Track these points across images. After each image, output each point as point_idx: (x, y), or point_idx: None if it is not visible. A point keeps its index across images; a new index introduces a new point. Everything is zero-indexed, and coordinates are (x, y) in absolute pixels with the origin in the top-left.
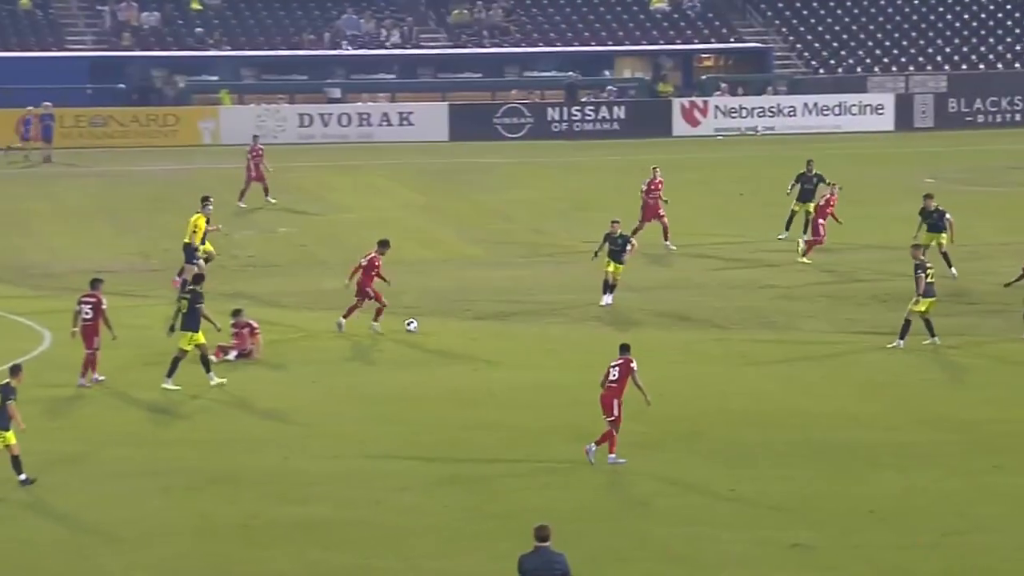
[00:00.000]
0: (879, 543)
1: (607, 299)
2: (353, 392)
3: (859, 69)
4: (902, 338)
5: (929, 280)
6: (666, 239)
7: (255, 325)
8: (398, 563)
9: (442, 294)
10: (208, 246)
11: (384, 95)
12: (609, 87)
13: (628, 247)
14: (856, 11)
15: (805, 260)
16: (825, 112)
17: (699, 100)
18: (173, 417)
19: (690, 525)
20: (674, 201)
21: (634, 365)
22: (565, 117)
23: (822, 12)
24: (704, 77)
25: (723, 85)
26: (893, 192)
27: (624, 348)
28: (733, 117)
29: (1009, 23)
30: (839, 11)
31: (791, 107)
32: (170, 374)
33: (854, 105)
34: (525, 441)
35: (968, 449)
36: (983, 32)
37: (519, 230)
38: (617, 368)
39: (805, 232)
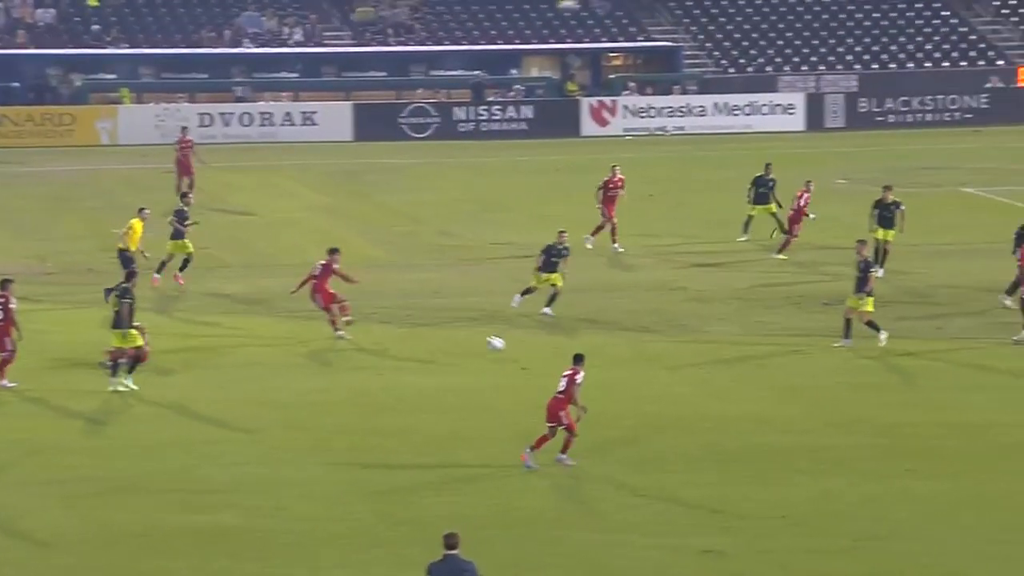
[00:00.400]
0: (791, 548)
1: (515, 300)
2: (258, 398)
3: (770, 69)
4: (847, 338)
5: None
6: (614, 241)
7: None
8: (304, 572)
9: (346, 297)
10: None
11: (287, 94)
12: (516, 86)
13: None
14: (766, 10)
15: (781, 256)
16: (735, 112)
17: (608, 100)
18: (77, 424)
19: (603, 532)
20: (581, 203)
21: (578, 378)
22: (472, 117)
23: (732, 11)
24: (613, 76)
25: (631, 84)
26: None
27: (576, 358)
28: (642, 117)
29: (919, 22)
30: (749, 10)
31: (701, 107)
32: (113, 373)
33: (765, 105)
34: (433, 447)
35: (884, 453)
36: (893, 32)
37: (425, 232)
38: (565, 379)
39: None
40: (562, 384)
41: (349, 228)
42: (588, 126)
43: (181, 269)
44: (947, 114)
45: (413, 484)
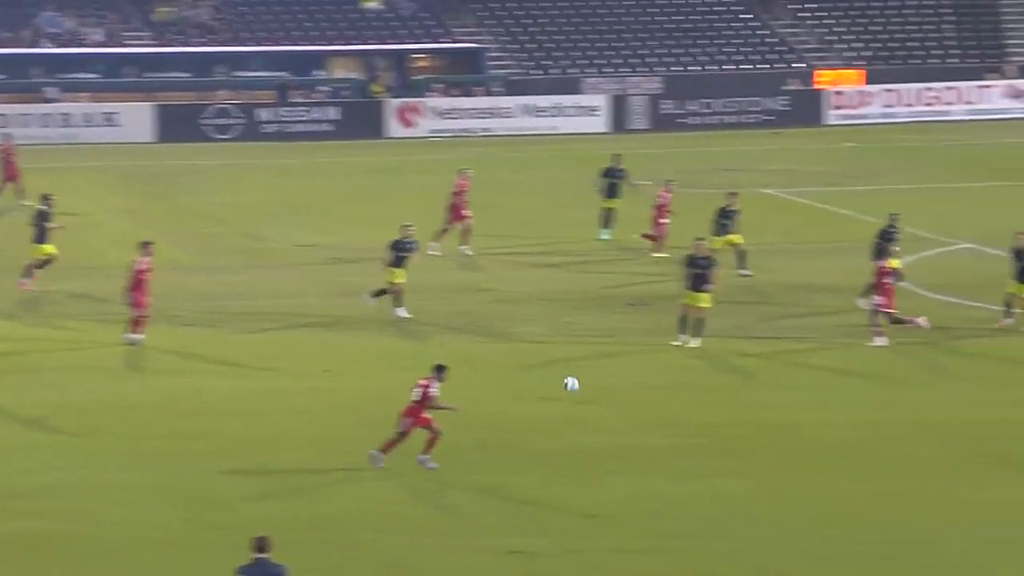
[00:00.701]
0: (602, 548)
1: (370, 300)
2: (63, 402)
3: (574, 71)
4: (686, 334)
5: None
6: (465, 243)
7: None
8: None
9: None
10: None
11: (87, 95)
12: (321, 87)
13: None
14: (570, 12)
15: (663, 255)
16: (541, 113)
17: (414, 101)
18: None
19: (413, 534)
20: (388, 205)
21: (432, 390)
22: (276, 118)
23: (536, 13)
24: (418, 78)
25: (437, 86)
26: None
27: (437, 369)
28: (448, 118)
29: (720, 25)
30: (553, 12)
31: (507, 108)
32: None
33: (569, 106)
34: (242, 450)
35: (696, 453)
36: (695, 34)
37: (229, 234)
38: (420, 389)
39: (607, 227)
40: (416, 393)
41: (151, 230)
42: (394, 128)
43: (38, 268)
44: (747, 116)
45: (223, 488)
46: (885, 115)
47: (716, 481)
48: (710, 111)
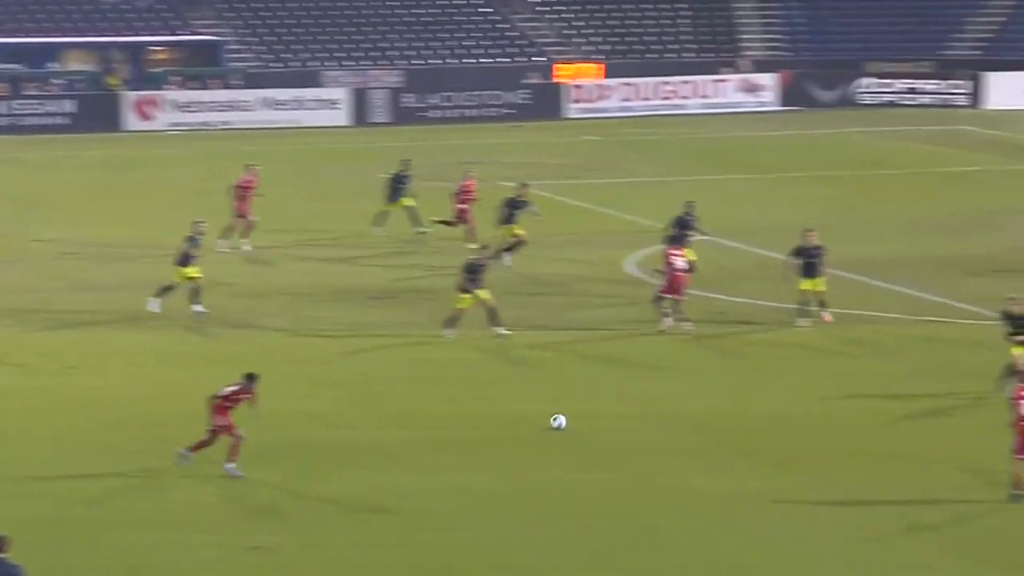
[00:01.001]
0: (342, 543)
1: (154, 304)
2: None
3: (314, 63)
4: (451, 328)
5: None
6: (244, 236)
7: None
8: None
9: None
10: None
11: None
12: (55, 80)
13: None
14: (310, 4)
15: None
16: (281, 106)
17: (151, 94)
18: None
19: (153, 531)
20: (126, 199)
21: (228, 390)
22: (9, 111)
23: (275, 4)
24: (155, 70)
25: (174, 78)
26: (352, 187)
27: (247, 377)
28: (187, 112)
29: (460, 19)
30: (292, 3)
31: (246, 101)
32: None
33: (310, 100)
34: None
35: (436, 446)
36: (436, 28)
37: None
38: (229, 390)
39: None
40: (225, 391)
41: None
42: (131, 121)
43: None
44: (488, 109)
45: None
46: (623, 109)
47: (458, 475)
48: (451, 104)
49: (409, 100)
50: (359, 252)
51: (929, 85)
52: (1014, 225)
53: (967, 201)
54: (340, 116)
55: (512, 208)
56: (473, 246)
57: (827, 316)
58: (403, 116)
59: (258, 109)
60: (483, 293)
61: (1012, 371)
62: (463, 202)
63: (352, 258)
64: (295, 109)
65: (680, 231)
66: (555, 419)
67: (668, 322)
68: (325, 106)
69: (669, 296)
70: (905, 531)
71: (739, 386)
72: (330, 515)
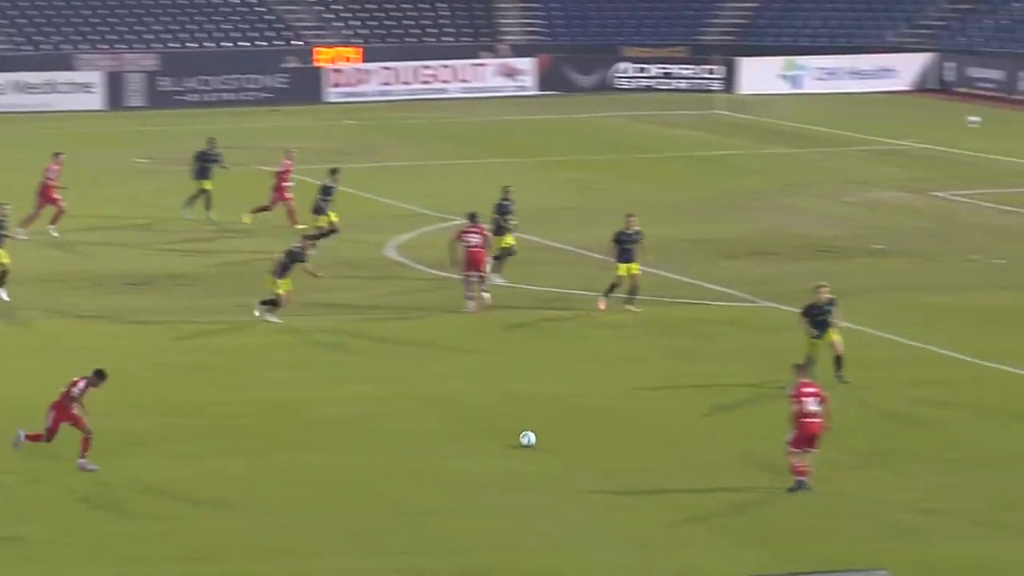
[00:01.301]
0: (94, 532)
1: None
2: None
3: (67, 46)
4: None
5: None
6: (53, 223)
7: None
8: None
9: None
10: None
11: None
12: None
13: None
14: None
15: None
16: (33, 90)
17: None
18: None
19: None
20: None
21: (75, 389)
22: None
23: None
24: None
25: None
26: (106, 172)
27: (96, 373)
28: None
29: (218, 2)
30: None
31: None
32: None
33: (63, 83)
34: None
35: (192, 434)
36: (192, 11)
37: None
38: (73, 385)
39: (190, 205)
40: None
41: None
42: None
43: None
44: (246, 93)
45: None
46: (383, 93)
47: (213, 461)
48: (208, 88)
49: (165, 84)
50: (112, 238)
51: (684, 70)
52: (767, 208)
53: (722, 184)
54: (94, 100)
55: (325, 195)
56: (301, 227)
57: (633, 308)
58: (159, 100)
59: (9, 93)
60: (286, 284)
61: (801, 365)
62: (282, 185)
63: (106, 244)
64: (48, 93)
65: (499, 216)
66: (524, 435)
67: (472, 306)
68: (79, 90)
69: (470, 274)
70: (662, 509)
71: (503, 369)
72: (81, 504)
